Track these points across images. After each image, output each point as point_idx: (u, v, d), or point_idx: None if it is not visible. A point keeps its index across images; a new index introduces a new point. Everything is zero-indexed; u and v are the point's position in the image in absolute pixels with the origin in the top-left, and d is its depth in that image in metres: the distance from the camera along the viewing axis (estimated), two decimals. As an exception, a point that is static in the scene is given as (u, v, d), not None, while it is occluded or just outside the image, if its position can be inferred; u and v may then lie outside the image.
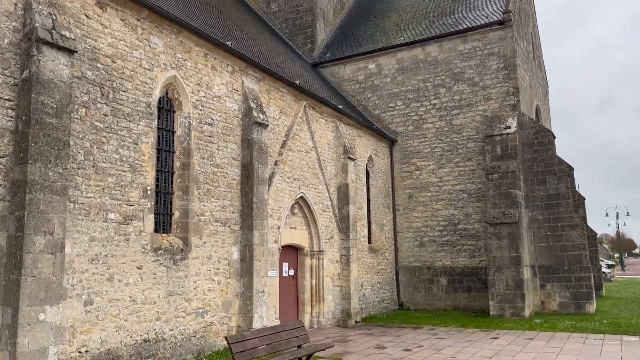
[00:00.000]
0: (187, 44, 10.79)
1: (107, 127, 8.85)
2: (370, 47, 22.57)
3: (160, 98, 10.31)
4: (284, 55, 19.69)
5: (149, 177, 9.58)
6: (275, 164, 13.41)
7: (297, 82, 15.03)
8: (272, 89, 13.58)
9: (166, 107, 10.47)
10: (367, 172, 19.63)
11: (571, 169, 25.01)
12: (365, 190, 18.98)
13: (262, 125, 12.36)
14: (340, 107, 17.44)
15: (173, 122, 10.60)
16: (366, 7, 26.66)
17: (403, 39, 21.93)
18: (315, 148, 15.31)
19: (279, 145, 13.72)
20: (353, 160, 17.12)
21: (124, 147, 9.13)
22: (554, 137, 19.46)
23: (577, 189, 25.30)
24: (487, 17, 20.53)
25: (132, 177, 9.25)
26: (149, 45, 9.84)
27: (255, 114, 12.17)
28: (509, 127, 18.92)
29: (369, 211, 19.44)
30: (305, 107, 14.84)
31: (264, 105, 13.10)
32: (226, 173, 11.60)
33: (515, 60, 19.77)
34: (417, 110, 21.23)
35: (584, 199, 25.62)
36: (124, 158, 9.13)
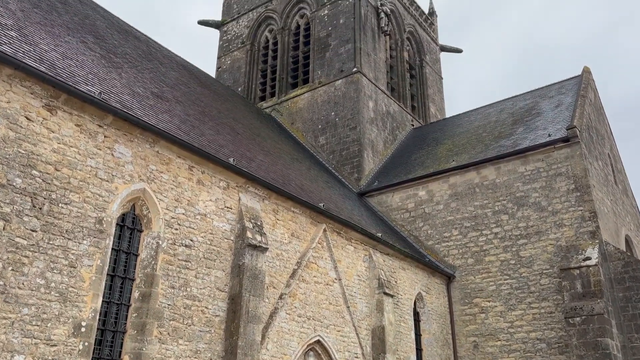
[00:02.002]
0: (166, 154, 9.46)
1: (33, 244, 7.24)
2: (419, 172, 20.68)
3: (124, 215, 8.77)
4: (321, 182, 18.22)
5: (87, 310, 7.63)
6: (281, 297, 11.06)
7: (321, 204, 13.20)
8: (280, 209, 11.76)
9: (130, 225, 8.85)
10: (417, 314, 16.49)
11: (684, 313, 20.10)
12: (413, 335, 15.68)
13: (259, 249, 10.33)
14: (379, 234, 15.16)
15: (137, 243, 8.88)
16: (420, 137, 25.40)
17: (455, 162, 19.91)
18: (339, 280, 12.85)
19: (287, 274, 11.47)
20: (391, 296, 14.30)
21: (54, 271, 7.39)
22: (651, 271, 15.60)
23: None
24: (549, 135, 18.24)
25: (61, 309, 7.35)
26: (112, 154, 8.57)
27: (249, 234, 10.24)
28: (588, 259, 15.46)
29: (420, 363, 15.92)
30: (325, 230, 12.75)
31: (268, 226, 11.21)
32: (205, 307, 9.40)
33: (588, 180, 16.88)
34: (477, 241, 18.34)
35: None
36: (52, 284, 7.34)
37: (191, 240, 9.49)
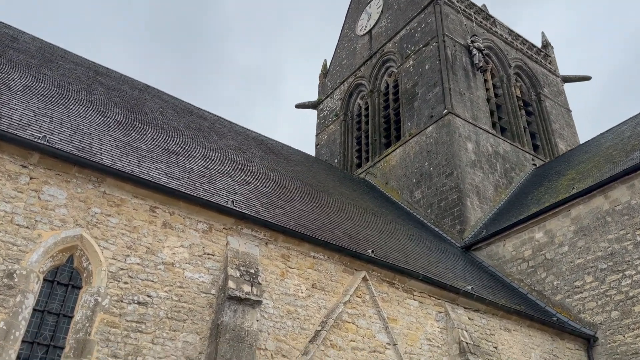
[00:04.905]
0: (116, 195, 7.98)
1: None
2: (532, 209, 16.60)
3: (57, 268, 7.29)
4: (400, 234, 15.36)
5: (-26, 386, 6.03)
6: (294, 370, 8.37)
7: (370, 250, 10.52)
8: (293, 254, 9.37)
9: (63, 281, 7.29)
10: (543, 392, 12.09)
11: None
12: (536, 423, 11.33)
13: (246, 302, 7.99)
14: (469, 287, 11.71)
15: (74, 303, 7.24)
16: (541, 175, 21.13)
17: (575, 189, 15.62)
18: (394, 345, 9.68)
19: (305, 338, 8.80)
20: (482, 366, 10.50)
21: None
22: None
23: None
24: (697, 129, 13.47)
25: None
26: (38, 197, 7.32)
27: (232, 284, 8.00)
28: None
29: None
30: (365, 279, 9.92)
31: (273, 276, 8.86)
32: (164, 383, 7.21)
33: None
34: (619, 286, 13.54)
35: None
36: None
37: (148, 296, 7.59)
